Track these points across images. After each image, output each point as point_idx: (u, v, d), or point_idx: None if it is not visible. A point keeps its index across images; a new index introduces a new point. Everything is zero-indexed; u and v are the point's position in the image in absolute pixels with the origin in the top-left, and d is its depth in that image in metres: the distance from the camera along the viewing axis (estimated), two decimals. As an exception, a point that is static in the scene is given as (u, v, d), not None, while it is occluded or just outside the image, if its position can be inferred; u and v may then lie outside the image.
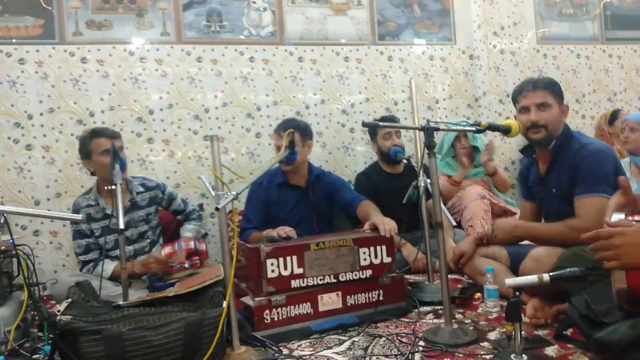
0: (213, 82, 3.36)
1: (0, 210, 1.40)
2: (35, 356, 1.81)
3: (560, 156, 2.10)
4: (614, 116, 3.74)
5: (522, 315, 1.64)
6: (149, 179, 2.78)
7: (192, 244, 2.51)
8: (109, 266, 2.44)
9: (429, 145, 1.82)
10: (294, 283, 2.02)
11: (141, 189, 2.65)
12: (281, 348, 1.84)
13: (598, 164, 1.99)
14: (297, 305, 2.01)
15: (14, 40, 3.05)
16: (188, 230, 2.74)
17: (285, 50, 3.51)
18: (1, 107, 3.01)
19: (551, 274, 1.54)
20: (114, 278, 2.42)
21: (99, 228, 2.53)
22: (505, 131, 1.97)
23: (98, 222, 2.54)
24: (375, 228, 2.24)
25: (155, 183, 2.74)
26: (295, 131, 2.66)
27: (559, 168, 2.10)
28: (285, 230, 2.30)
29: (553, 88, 2.11)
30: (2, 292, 2.05)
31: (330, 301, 2.07)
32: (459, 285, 2.44)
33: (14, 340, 1.89)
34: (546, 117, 2.06)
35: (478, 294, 2.27)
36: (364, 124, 1.95)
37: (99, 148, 2.49)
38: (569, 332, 1.77)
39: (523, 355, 1.53)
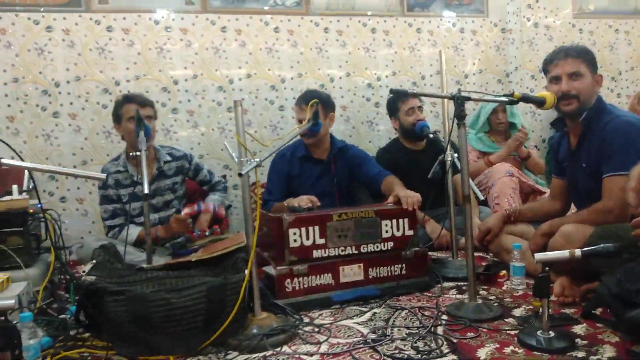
0: (237, 53, 3.33)
1: (30, 167, 1.41)
2: (61, 316, 1.85)
3: (592, 129, 1.97)
4: None
5: (550, 293, 1.60)
6: (177, 148, 2.79)
7: (211, 206, 2.57)
8: (134, 231, 2.47)
9: (459, 115, 1.76)
10: (316, 253, 2.01)
11: (169, 158, 2.66)
12: (302, 316, 1.84)
13: (629, 137, 1.86)
14: (318, 276, 2.00)
15: (42, 9, 3.06)
16: (212, 200, 2.75)
17: (311, 21, 3.44)
18: (29, 75, 3.04)
19: (584, 249, 1.49)
20: (138, 243, 2.45)
21: (126, 194, 2.55)
22: (540, 103, 1.89)
23: (126, 188, 2.56)
24: (398, 201, 2.20)
25: (183, 153, 2.75)
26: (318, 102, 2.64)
27: (589, 141, 1.98)
28: (305, 201, 2.28)
29: (586, 56, 1.99)
30: (30, 253, 2.09)
31: (351, 273, 2.05)
32: (483, 263, 2.39)
33: (42, 300, 1.94)
34: (578, 87, 1.95)
35: (503, 272, 2.22)
36: (391, 91, 1.89)
37: (127, 114, 2.50)
38: (597, 311, 1.72)
39: (550, 331, 1.49)
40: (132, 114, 2.43)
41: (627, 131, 1.87)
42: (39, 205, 2.19)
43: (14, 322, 1.35)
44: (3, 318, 1.30)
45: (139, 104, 2.49)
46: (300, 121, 2.72)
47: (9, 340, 1.29)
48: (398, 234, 2.13)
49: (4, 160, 1.28)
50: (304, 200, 2.27)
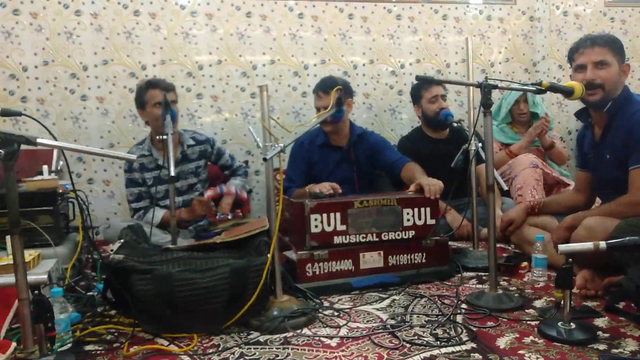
0: (262, 39, 3.33)
1: (64, 147, 1.45)
2: (89, 293, 1.92)
3: (617, 119, 1.93)
4: None
5: (573, 284, 1.58)
6: (200, 132, 2.83)
7: (233, 189, 2.62)
8: (159, 213, 2.52)
9: (486, 103, 1.74)
10: (337, 239, 2.03)
11: (192, 142, 2.70)
12: (322, 300, 1.86)
13: None
14: (339, 261, 2.02)
15: (71, -8, 3.11)
16: (233, 184, 2.78)
17: (335, 7, 3.42)
18: (59, 58, 3.10)
19: (608, 242, 1.47)
20: (162, 225, 2.50)
21: (151, 178, 2.61)
22: (568, 93, 1.85)
23: (150, 172, 2.62)
24: (420, 189, 2.19)
25: (205, 137, 2.78)
26: (332, 90, 2.64)
27: (614, 132, 1.93)
28: (327, 187, 2.28)
29: (613, 45, 1.93)
30: (60, 232, 2.16)
31: (371, 259, 2.07)
32: (505, 254, 2.38)
33: (70, 277, 2.01)
34: (604, 76, 1.90)
35: (525, 263, 2.21)
36: (417, 77, 1.87)
37: (153, 100, 2.54)
38: (620, 305, 1.70)
39: (571, 323, 1.48)
40: (158, 99, 2.48)
41: None
42: (67, 186, 2.26)
43: (47, 296, 1.40)
44: (37, 292, 1.35)
45: (164, 89, 2.53)
46: (318, 109, 2.72)
47: (43, 313, 1.35)
48: (420, 222, 2.13)
49: (39, 140, 1.32)
50: (325, 187, 2.28)
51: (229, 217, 2.49)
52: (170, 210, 2.15)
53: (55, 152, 2.64)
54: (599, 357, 1.35)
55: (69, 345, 1.54)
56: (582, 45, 1.96)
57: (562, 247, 1.49)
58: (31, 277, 1.37)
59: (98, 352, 1.51)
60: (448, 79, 2.95)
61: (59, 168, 2.65)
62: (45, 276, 1.41)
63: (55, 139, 1.48)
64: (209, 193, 2.55)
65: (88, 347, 1.54)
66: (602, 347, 1.42)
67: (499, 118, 3.29)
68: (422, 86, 2.98)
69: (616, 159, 1.93)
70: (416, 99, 3.08)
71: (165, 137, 2.14)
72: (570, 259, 1.47)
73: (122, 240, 1.82)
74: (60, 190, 2.21)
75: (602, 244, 1.46)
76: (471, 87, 2.35)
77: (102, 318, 1.75)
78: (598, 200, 2.22)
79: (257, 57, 3.34)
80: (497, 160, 3.10)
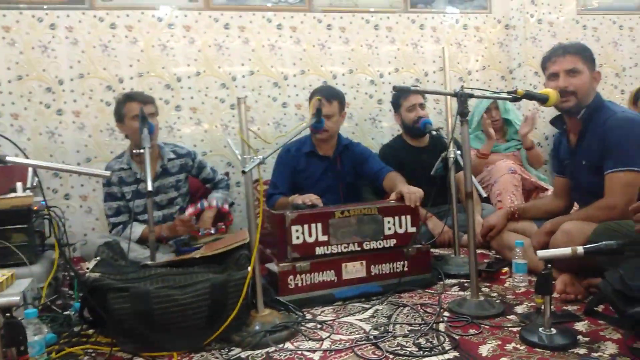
0: (240, 50, 3.33)
1: (35, 165, 1.42)
2: (66, 312, 1.87)
3: (591, 125, 1.97)
4: (638, 96, 3.54)
5: (552, 290, 1.60)
6: (180, 146, 2.80)
7: (214, 202, 2.57)
8: (138, 229, 2.48)
9: (462, 112, 1.76)
10: (319, 250, 2.02)
11: (172, 156, 2.67)
12: (304, 313, 1.84)
13: (628, 133, 1.86)
14: (321, 272, 2.01)
15: (45, 6, 3.06)
16: (215, 198, 2.75)
17: (314, 18, 3.43)
18: (33, 72, 3.05)
19: (586, 246, 1.49)
20: (142, 241, 2.46)
21: (129, 192, 2.57)
22: (543, 100, 1.88)
23: (129, 185, 2.57)
24: (401, 198, 2.20)
25: (186, 150, 2.75)
26: (336, 100, 2.71)
27: (589, 138, 1.98)
28: (311, 198, 2.29)
29: (584, 53, 1.99)
30: (35, 250, 2.11)
31: (354, 270, 2.06)
32: (486, 260, 2.40)
33: (46, 296, 1.96)
34: (576, 83, 1.95)
35: (505, 269, 2.22)
36: (394, 88, 1.89)
37: (130, 112, 2.51)
38: (600, 308, 1.72)
39: (552, 328, 1.49)
40: (135, 112, 2.45)
41: (627, 127, 1.87)
42: (43, 203, 2.21)
43: (19, 318, 1.36)
44: (8, 314, 1.31)
45: (142, 102, 2.50)
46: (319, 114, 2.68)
47: (14, 337, 1.31)
48: (400, 231, 2.14)
49: (9, 158, 1.29)
50: (310, 198, 2.28)
51: (212, 231, 2.45)
52: (148, 225, 2.11)
53: (30, 168, 2.58)
54: (580, 362, 1.37)
55: (44, 367, 1.49)
56: (554, 54, 2.00)
57: (541, 253, 1.51)
58: (3, 299, 1.33)
59: (74, 374, 1.47)
60: (425, 89, 2.99)
61: (34, 184, 2.59)
62: (18, 297, 1.37)
63: (27, 157, 1.45)
64: (190, 211, 2.50)
65: (64, 369, 1.50)
66: (582, 351, 1.43)
67: (472, 126, 3.33)
68: (401, 95, 3.00)
69: (592, 165, 1.96)
70: (396, 107, 3.11)
71: (142, 150, 2.12)
72: (549, 265, 1.49)
73: (98, 258, 1.78)
74: (35, 207, 2.16)
75: (580, 249, 1.48)
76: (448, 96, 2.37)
77: (79, 338, 1.70)
78: (576, 205, 2.25)
79: (236, 68, 3.33)
80: (474, 165, 3.13)
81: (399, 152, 3.08)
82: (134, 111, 2.48)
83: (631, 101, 3.59)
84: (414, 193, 2.17)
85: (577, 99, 1.95)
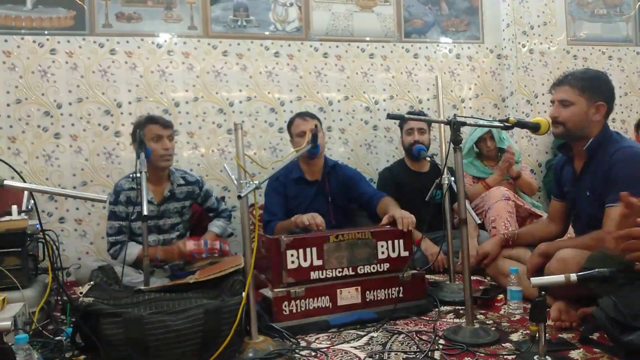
0: (238, 77, 3.38)
1: (32, 189, 1.43)
2: (57, 337, 1.84)
3: (596, 157, 1.96)
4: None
5: (547, 317, 1.60)
6: (190, 173, 2.79)
7: (217, 244, 2.50)
8: (134, 249, 2.43)
9: (455, 140, 1.79)
10: (313, 275, 2.02)
11: (182, 182, 2.67)
12: (299, 340, 1.83)
13: (635, 168, 1.85)
14: (315, 299, 2.00)
15: (46, 32, 3.12)
16: (216, 226, 2.75)
17: (311, 46, 3.51)
18: (32, 96, 3.08)
19: (579, 274, 1.50)
20: (137, 263, 2.43)
21: (134, 212, 2.54)
22: (534, 128, 1.91)
23: (136, 206, 2.56)
24: (393, 221, 2.21)
25: (195, 178, 2.75)
26: (316, 119, 2.80)
27: (594, 170, 1.97)
28: (314, 217, 2.32)
29: (583, 84, 1.97)
30: (27, 274, 2.09)
31: (349, 296, 2.05)
32: (481, 287, 2.39)
33: (37, 321, 1.93)
34: (564, 115, 1.96)
35: (501, 296, 2.22)
36: (388, 116, 1.92)
37: (150, 134, 2.51)
38: (595, 336, 1.71)
39: (547, 357, 1.49)
40: (155, 133, 2.48)
41: (633, 161, 1.86)
42: (38, 226, 2.20)
43: (10, 344, 1.34)
44: (-1, 340, 1.29)
45: (162, 125, 2.54)
46: (300, 135, 2.74)
47: (4, 362, 1.29)
48: (394, 255, 2.14)
49: (7, 182, 1.29)
50: (312, 219, 2.33)
51: (203, 255, 2.44)
52: (143, 249, 2.10)
53: (25, 192, 2.58)
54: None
55: (33, 395, 1.47)
56: (556, 82, 2.05)
57: (535, 280, 1.51)
58: (-6, 324, 1.31)
59: (64, 401, 1.44)
60: (419, 116, 3.03)
61: (29, 208, 2.59)
62: (9, 322, 1.36)
63: (23, 180, 1.46)
64: (192, 247, 2.46)
65: (53, 397, 1.47)
66: (577, 380, 1.42)
67: (463, 152, 3.36)
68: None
69: (595, 196, 1.95)
70: (400, 129, 3.20)
71: (139, 174, 2.12)
72: (543, 292, 1.49)
73: (92, 282, 1.77)
74: (29, 231, 2.15)
75: (573, 276, 1.49)
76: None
77: (70, 364, 1.68)
78: (570, 231, 2.26)
79: (234, 94, 3.38)
80: (474, 192, 3.16)
81: (399, 174, 3.14)
82: (153, 133, 2.51)
83: (635, 129, 3.64)
84: (406, 217, 2.18)
85: (565, 128, 1.98)
